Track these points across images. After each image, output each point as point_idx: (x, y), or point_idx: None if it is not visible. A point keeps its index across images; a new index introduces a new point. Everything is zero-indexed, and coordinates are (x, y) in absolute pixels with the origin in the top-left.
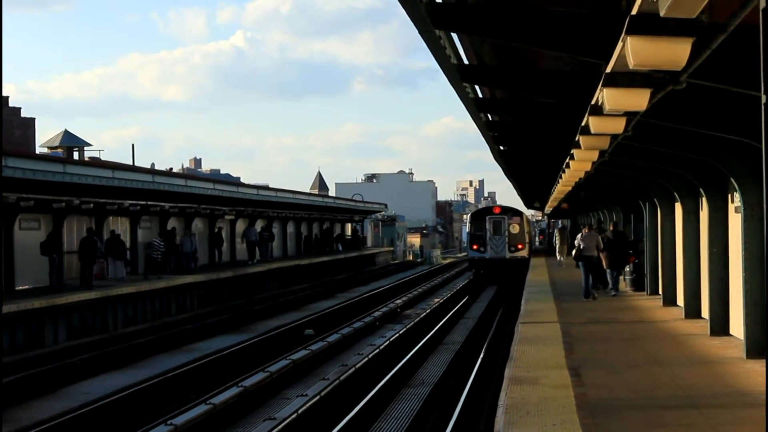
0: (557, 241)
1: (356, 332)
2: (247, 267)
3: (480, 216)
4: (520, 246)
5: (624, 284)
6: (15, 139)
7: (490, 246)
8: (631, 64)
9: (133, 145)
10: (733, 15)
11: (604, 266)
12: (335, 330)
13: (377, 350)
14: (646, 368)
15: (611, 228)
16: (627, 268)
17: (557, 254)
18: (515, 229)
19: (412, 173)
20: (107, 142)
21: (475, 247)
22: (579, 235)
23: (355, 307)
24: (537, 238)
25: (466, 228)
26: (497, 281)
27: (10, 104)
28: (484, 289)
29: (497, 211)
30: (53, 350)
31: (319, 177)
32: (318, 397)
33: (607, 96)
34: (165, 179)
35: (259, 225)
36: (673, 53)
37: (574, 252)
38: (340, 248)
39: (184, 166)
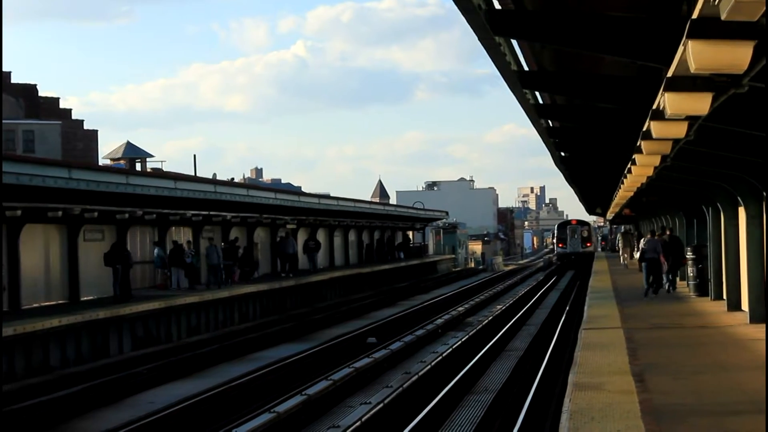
0: (620, 245)
1: (418, 340)
2: (309, 275)
3: (563, 226)
4: (588, 244)
5: (688, 289)
6: (77, 151)
7: (570, 244)
8: (693, 68)
9: (194, 156)
10: None
11: (665, 268)
12: (398, 338)
13: (440, 358)
14: (711, 374)
15: (667, 233)
16: (690, 273)
17: (621, 257)
18: (585, 233)
19: (472, 180)
20: (169, 153)
21: (560, 245)
22: (642, 240)
23: (417, 315)
24: (600, 244)
25: (555, 233)
26: (574, 267)
27: (73, 117)
28: (548, 295)
29: (574, 222)
30: (118, 360)
31: (380, 185)
32: (381, 404)
33: (668, 100)
34: (227, 189)
35: (302, 235)
36: (734, 56)
37: (638, 255)
38: (402, 256)
39: (246, 176)
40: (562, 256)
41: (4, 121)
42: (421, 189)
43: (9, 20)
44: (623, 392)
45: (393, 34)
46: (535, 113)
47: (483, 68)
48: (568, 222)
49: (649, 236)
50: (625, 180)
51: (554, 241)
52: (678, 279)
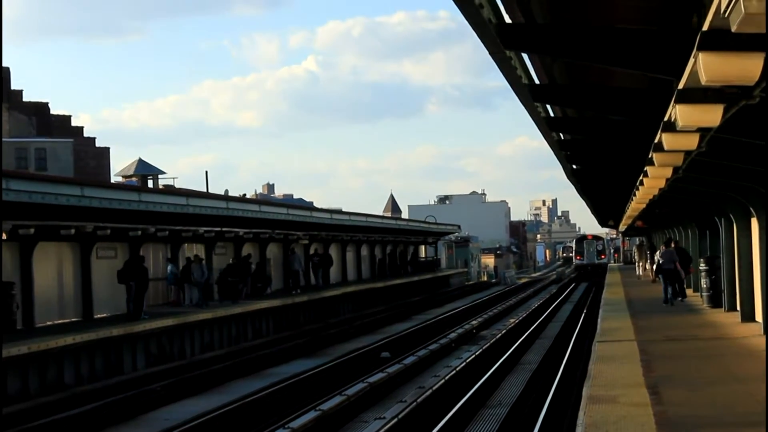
0: (636, 257)
1: (432, 354)
2: (321, 291)
3: (581, 240)
4: (602, 256)
5: (701, 301)
6: (89, 169)
7: (586, 257)
8: (704, 80)
9: (206, 172)
10: None
11: (682, 277)
12: (411, 352)
13: (454, 372)
14: (725, 385)
15: (674, 245)
16: (704, 284)
17: (636, 269)
18: (599, 247)
19: (484, 194)
20: (181, 170)
21: (578, 257)
22: (658, 252)
23: (430, 329)
24: (613, 256)
25: (573, 247)
26: (590, 278)
27: (85, 134)
28: (561, 308)
29: (590, 237)
30: (132, 377)
31: (392, 200)
32: (396, 419)
33: (679, 112)
34: (239, 205)
35: (312, 249)
36: (745, 68)
37: (655, 267)
38: (411, 270)
39: (258, 192)
40: (579, 268)
41: (16, 139)
42: (433, 203)
43: (21, 38)
44: (638, 405)
45: (404, 47)
46: (546, 126)
47: (494, 81)
48: (584, 237)
49: (663, 248)
50: (637, 192)
51: (565, 254)
52: (691, 289)
